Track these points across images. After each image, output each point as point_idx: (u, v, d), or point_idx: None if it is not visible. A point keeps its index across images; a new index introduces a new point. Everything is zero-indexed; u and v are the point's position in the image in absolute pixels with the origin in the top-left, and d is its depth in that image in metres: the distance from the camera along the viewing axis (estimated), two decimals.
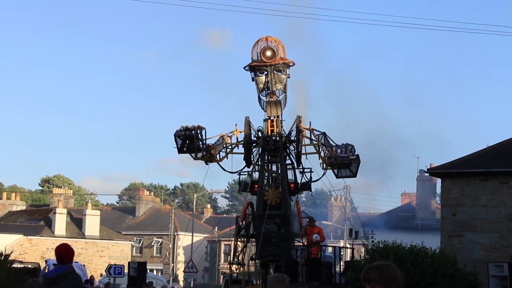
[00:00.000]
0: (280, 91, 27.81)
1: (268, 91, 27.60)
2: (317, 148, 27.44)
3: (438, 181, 53.77)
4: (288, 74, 28.01)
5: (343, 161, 26.04)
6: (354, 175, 26.42)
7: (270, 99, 27.65)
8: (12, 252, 29.72)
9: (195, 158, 27.53)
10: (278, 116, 27.81)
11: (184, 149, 27.13)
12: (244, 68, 27.98)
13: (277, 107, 27.71)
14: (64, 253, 9.26)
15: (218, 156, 27.91)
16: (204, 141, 27.26)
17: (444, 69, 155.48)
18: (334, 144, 26.80)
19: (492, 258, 23.32)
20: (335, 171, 26.52)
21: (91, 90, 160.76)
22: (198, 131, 27.06)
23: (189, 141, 26.92)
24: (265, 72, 27.53)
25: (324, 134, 27.44)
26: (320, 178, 27.34)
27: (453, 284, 20.95)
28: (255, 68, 27.63)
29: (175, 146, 27.13)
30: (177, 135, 27.02)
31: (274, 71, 27.51)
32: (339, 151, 26.45)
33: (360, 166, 26.50)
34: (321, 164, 27.15)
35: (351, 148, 26.49)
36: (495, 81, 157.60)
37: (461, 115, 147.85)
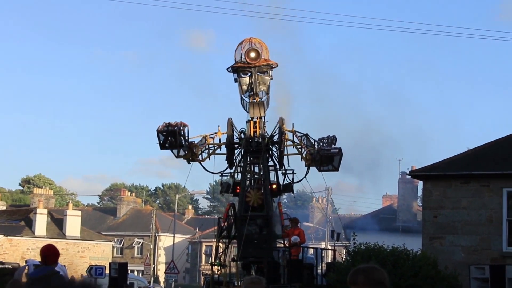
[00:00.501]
0: (264, 92, 27.83)
1: (252, 93, 27.60)
2: (300, 149, 27.48)
3: (420, 183, 54.00)
4: (271, 76, 28.04)
5: (326, 154, 25.98)
6: (337, 169, 26.31)
7: (253, 100, 27.66)
8: None
9: (177, 156, 27.44)
10: (261, 118, 27.82)
11: (167, 145, 27.04)
12: (227, 69, 27.98)
13: (260, 108, 27.71)
14: (50, 254, 9.24)
15: (200, 156, 27.86)
16: (187, 138, 27.19)
17: (427, 72, 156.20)
18: (316, 141, 26.84)
19: (473, 260, 23.44)
20: (318, 166, 26.45)
21: (72, 91, 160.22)
22: (181, 128, 27.00)
23: (172, 137, 26.82)
24: (249, 74, 27.53)
25: (306, 135, 27.50)
26: (303, 178, 27.34)
27: (434, 286, 21.06)
28: (238, 70, 27.63)
29: (157, 142, 27.04)
30: (159, 130, 26.93)
31: (258, 73, 27.53)
32: (321, 144, 26.49)
33: (342, 167, 26.55)
34: (304, 162, 27.15)
35: (333, 140, 26.46)
36: (477, 84, 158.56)
37: (443, 118, 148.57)
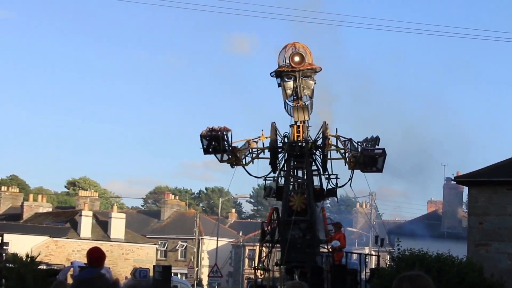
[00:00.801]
0: (307, 96, 27.80)
1: (296, 97, 27.58)
2: (343, 154, 27.35)
3: (465, 189, 53.44)
4: (315, 80, 28.00)
5: (369, 154, 25.80)
6: (380, 170, 26.13)
7: (297, 105, 27.63)
8: (39, 254, 29.93)
9: (221, 161, 27.53)
10: (304, 122, 27.78)
11: (210, 149, 27.15)
12: (271, 74, 27.99)
13: (304, 112, 27.68)
14: (96, 256, 9.33)
15: (244, 160, 27.90)
16: (230, 143, 27.27)
17: (471, 76, 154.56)
18: (360, 142, 26.66)
19: None
20: (361, 168, 26.27)
21: (117, 94, 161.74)
22: (225, 132, 27.09)
23: (215, 142, 26.93)
24: (293, 78, 27.52)
25: (350, 140, 27.36)
26: (347, 182, 27.19)
27: None
28: (282, 74, 27.63)
29: (201, 146, 27.16)
30: (203, 135, 27.05)
31: (302, 77, 27.51)
32: (364, 145, 26.34)
33: (386, 172, 26.37)
34: (348, 166, 27.00)
35: (376, 141, 26.28)
36: None
37: (489, 123, 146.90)
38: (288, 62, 27.46)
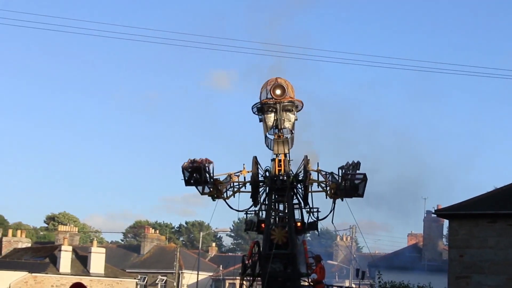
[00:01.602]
0: (288, 129, 27.94)
1: (276, 130, 27.71)
2: (325, 187, 27.40)
3: (446, 222, 53.64)
4: (296, 116, 28.12)
5: (351, 179, 25.81)
6: (361, 195, 26.17)
7: (278, 139, 27.75)
8: None
9: (202, 193, 27.51)
10: (285, 155, 27.87)
11: (192, 181, 27.16)
12: (252, 108, 28.14)
13: (284, 145, 27.81)
14: None
15: (225, 194, 27.91)
16: (212, 175, 27.29)
17: (450, 109, 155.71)
18: (340, 168, 26.65)
19: None
20: (342, 195, 26.26)
21: (94, 128, 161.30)
22: (206, 164, 27.12)
23: (197, 173, 26.95)
24: (274, 110, 27.67)
25: (331, 173, 27.44)
26: (329, 214, 27.17)
27: None
28: (263, 108, 27.77)
29: (183, 178, 27.17)
30: (184, 167, 27.09)
31: (283, 110, 27.65)
32: (345, 170, 26.33)
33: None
34: (329, 194, 27.00)
35: (357, 166, 26.31)
36: (502, 122, 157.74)
37: (468, 156, 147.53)
38: (270, 95, 27.65)
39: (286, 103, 27.69)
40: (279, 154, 27.81)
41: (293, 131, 28.05)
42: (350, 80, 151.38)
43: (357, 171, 26.24)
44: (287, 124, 27.79)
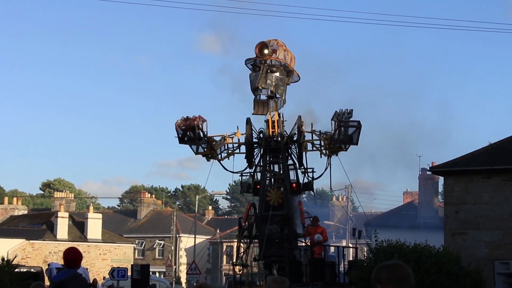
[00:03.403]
0: (267, 90, 27.43)
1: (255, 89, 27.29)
2: (319, 146, 27.27)
3: (441, 179, 53.73)
4: (285, 79, 27.70)
5: (345, 125, 25.56)
6: (356, 143, 26.01)
7: (258, 98, 27.45)
8: (15, 257, 29.66)
9: (196, 152, 27.37)
10: (279, 116, 27.72)
11: (186, 139, 27.02)
12: (246, 64, 27.69)
13: (264, 107, 27.44)
14: (73, 257, 9.22)
15: (220, 155, 27.79)
16: (206, 133, 27.12)
17: (445, 67, 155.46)
18: (334, 115, 26.32)
19: (496, 255, 23.26)
20: (337, 143, 26.01)
21: (88, 94, 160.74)
22: (200, 121, 26.95)
23: (190, 131, 26.79)
24: (258, 69, 27.31)
25: (325, 132, 27.32)
26: (324, 172, 27.09)
27: (458, 282, 20.89)
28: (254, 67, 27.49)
29: (176, 136, 27.02)
30: (178, 124, 26.91)
31: (269, 71, 27.19)
32: (339, 117, 25.99)
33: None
34: (323, 146, 26.84)
35: (350, 113, 26.00)
36: (497, 78, 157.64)
37: (463, 113, 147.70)
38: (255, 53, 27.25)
39: (273, 63, 27.25)
40: (257, 114, 27.44)
41: (275, 93, 27.46)
42: (344, 38, 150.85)
43: (351, 119, 25.98)
44: (265, 85, 27.23)
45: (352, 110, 26.13)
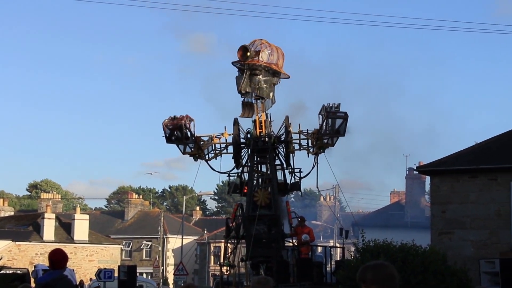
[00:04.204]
0: (251, 93, 27.49)
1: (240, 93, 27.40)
2: (307, 145, 27.31)
3: (427, 178, 53.87)
4: (276, 80, 27.75)
5: (333, 117, 25.61)
6: (343, 134, 26.09)
7: (246, 101, 27.57)
8: (1, 258, 29.55)
9: (184, 152, 27.38)
10: (266, 116, 27.76)
11: (173, 138, 27.03)
12: (235, 65, 27.67)
13: (250, 110, 27.60)
14: (58, 259, 9.20)
15: (207, 155, 27.78)
16: (193, 133, 27.13)
17: (432, 67, 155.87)
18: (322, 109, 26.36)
19: (482, 254, 23.34)
20: (325, 137, 26.04)
21: (75, 95, 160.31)
22: (187, 121, 26.97)
23: (178, 131, 26.81)
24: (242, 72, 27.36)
25: (313, 132, 27.35)
26: (311, 170, 27.13)
27: (444, 282, 20.96)
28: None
29: (163, 135, 27.02)
30: (165, 123, 26.93)
31: (253, 74, 27.21)
32: (327, 109, 26.01)
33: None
34: (310, 141, 26.89)
35: (338, 107, 26.07)
36: (483, 78, 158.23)
37: (449, 113, 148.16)
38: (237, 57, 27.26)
39: (255, 67, 27.23)
40: (244, 116, 27.58)
41: (259, 95, 27.44)
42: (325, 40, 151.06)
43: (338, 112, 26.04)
44: (249, 89, 27.29)
45: (339, 104, 26.24)
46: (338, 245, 47.07)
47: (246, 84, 27.05)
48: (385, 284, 5.50)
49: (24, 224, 64.24)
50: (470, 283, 21.68)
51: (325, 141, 26.18)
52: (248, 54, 26.96)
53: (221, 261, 28.17)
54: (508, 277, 19.63)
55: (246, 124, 28.17)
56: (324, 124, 25.95)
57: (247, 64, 27.06)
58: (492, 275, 20.33)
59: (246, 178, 27.76)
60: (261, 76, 27.32)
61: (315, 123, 26.73)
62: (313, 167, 27.11)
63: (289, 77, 28.46)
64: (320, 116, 26.35)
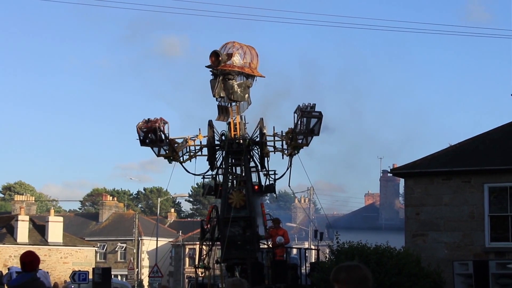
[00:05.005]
0: (225, 98, 27.53)
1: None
2: (282, 147, 27.34)
3: (401, 181, 54.12)
4: (250, 82, 27.77)
5: (308, 116, 25.64)
6: (317, 134, 26.13)
7: (221, 104, 27.64)
8: None
9: (158, 155, 27.31)
10: (241, 118, 27.79)
11: (147, 141, 26.97)
12: (208, 67, 27.65)
13: (226, 113, 27.66)
14: (29, 260, 9.13)
15: (182, 157, 27.73)
16: (167, 135, 27.09)
17: (407, 69, 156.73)
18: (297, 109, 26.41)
19: (456, 256, 23.48)
20: (299, 137, 26.08)
21: (49, 96, 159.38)
22: (162, 123, 26.93)
23: (152, 133, 26.76)
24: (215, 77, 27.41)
25: (287, 133, 27.35)
26: (286, 171, 27.14)
27: (418, 284, 21.08)
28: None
29: (138, 138, 26.95)
30: (139, 126, 26.87)
31: (226, 79, 27.23)
32: (302, 108, 26.07)
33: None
34: (285, 142, 26.92)
35: (313, 107, 26.12)
36: (458, 80, 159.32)
37: (422, 115, 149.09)
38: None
39: (227, 71, 27.23)
40: (219, 120, 27.67)
41: (234, 101, 27.48)
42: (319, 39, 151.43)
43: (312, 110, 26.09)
44: (223, 93, 27.34)
45: (315, 104, 26.28)
46: (313, 247, 47.15)
47: (220, 89, 27.16)
48: (358, 285, 5.53)
49: None
50: (444, 285, 21.82)
51: (300, 141, 26.23)
52: (220, 59, 26.98)
53: (196, 263, 28.09)
54: (481, 279, 19.79)
55: (221, 126, 28.19)
56: (299, 123, 26.00)
57: (220, 70, 27.10)
58: (466, 277, 20.48)
59: (221, 180, 27.74)
60: (234, 80, 27.37)
61: (290, 124, 26.75)
62: (287, 169, 27.16)
63: (264, 77, 28.47)
64: (295, 115, 26.40)
